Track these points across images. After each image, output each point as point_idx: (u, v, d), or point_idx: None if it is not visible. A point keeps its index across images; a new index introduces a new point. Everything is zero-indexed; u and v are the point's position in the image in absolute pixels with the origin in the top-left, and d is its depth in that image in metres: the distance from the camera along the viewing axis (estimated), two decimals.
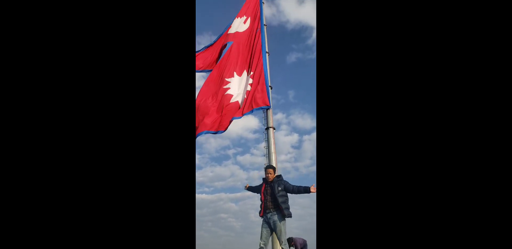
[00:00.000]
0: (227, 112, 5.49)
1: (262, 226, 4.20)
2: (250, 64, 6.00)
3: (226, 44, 6.47)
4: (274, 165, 5.28)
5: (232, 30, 6.62)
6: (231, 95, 5.68)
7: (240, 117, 5.55)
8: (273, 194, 4.15)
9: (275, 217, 4.08)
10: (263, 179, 4.52)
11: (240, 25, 6.63)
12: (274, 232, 4.14)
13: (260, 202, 4.33)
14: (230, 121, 5.47)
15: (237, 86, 5.82)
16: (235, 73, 5.94)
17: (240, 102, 5.64)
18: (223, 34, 6.64)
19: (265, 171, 4.48)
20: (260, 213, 4.30)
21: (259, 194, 4.42)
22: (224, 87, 5.78)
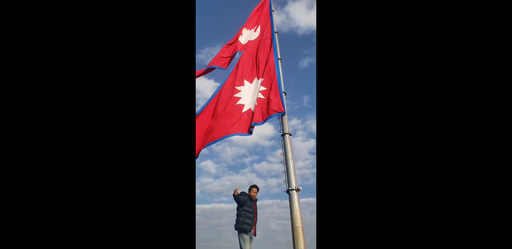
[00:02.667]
0: (241, 120, 5.44)
1: (250, 242, 4.38)
2: (262, 71, 5.98)
3: (237, 52, 6.52)
4: (292, 172, 5.13)
5: (243, 40, 6.66)
6: (243, 105, 5.64)
7: (262, 123, 5.46)
8: (256, 212, 4.70)
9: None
10: (250, 195, 4.68)
11: (251, 34, 6.67)
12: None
13: (251, 221, 4.49)
14: (251, 129, 5.38)
15: (248, 94, 5.79)
16: (245, 81, 5.93)
17: (253, 109, 5.58)
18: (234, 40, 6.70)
19: (253, 189, 4.73)
20: (254, 231, 4.50)
21: (245, 209, 4.60)
22: (235, 96, 5.76)
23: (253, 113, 5.50)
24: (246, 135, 5.41)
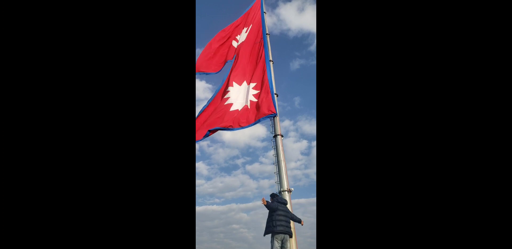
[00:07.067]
0: (226, 117, 5.53)
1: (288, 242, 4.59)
2: (253, 74, 6.05)
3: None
4: (284, 173, 5.16)
5: (235, 44, 6.73)
6: (231, 104, 5.72)
7: (246, 127, 5.51)
8: None
9: None
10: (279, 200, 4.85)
11: (241, 37, 6.70)
12: None
13: (287, 223, 4.72)
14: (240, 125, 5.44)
15: (237, 95, 5.87)
16: (234, 83, 5.99)
17: (240, 110, 5.66)
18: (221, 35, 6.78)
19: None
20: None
21: (279, 213, 4.90)
22: (225, 97, 5.83)
23: (244, 113, 5.55)
24: (233, 130, 5.49)
